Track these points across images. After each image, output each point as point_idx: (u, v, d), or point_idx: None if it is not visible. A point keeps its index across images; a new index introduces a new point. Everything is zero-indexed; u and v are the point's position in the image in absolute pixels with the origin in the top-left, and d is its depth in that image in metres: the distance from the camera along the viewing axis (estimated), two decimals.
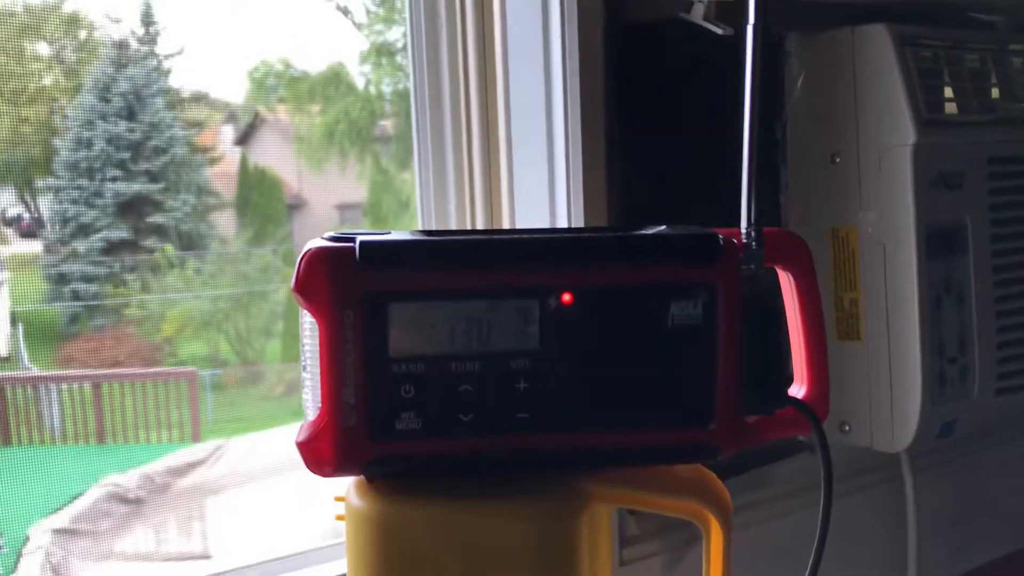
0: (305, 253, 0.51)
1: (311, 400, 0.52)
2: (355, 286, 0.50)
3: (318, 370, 0.51)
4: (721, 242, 0.55)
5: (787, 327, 0.59)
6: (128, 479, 2.77)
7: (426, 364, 0.51)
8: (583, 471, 0.56)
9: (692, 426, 0.55)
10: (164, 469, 2.90)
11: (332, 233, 0.52)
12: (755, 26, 0.61)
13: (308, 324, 0.52)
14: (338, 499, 0.56)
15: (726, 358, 0.54)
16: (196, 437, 3.24)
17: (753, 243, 0.58)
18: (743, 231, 0.58)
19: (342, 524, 0.56)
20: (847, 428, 0.94)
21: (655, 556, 0.90)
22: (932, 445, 0.98)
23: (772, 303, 0.57)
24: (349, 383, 0.50)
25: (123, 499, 2.71)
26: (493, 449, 0.53)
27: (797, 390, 0.59)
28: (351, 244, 0.51)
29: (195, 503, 2.90)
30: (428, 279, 0.51)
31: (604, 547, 0.60)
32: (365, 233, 0.52)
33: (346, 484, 0.56)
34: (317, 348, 0.51)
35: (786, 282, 0.59)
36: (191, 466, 2.99)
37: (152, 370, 3.32)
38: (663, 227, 0.57)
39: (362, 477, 0.54)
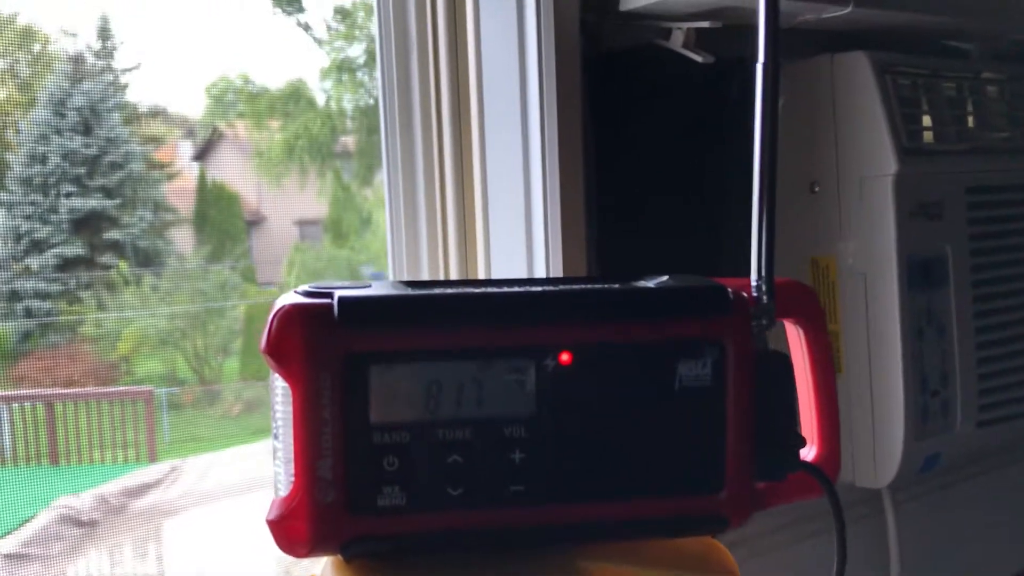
0: (277, 311, 0.46)
1: (283, 473, 0.48)
2: (333, 347, 0.46)
3: (291, 440, 0.46)
4: (731, 295, 0.51)
5: (795, 384, 0.56)
6: (82, 501, 2.70)
7: (411, 433, 0.47)
8: (580, 547, 0.52)
9: (700, 495, 0.51)
10: (119, 490, 2.83)
11: (306, 287, 0.48)
12: (765, 65, 0.56)
13: (280, 389, 0.47)
14: None
15: (737, 421, 0.51)
16: (152, 457, 3.17)
17: (764, 296, 0.54)
18: (753, 283, 0.54)
19: None
20: None
21: None
22: (914, 479, 0.97)
23: (781, 360, 0.54)
24: (326, 455, 0.46)
25: (76, 521, 2.63)
26: (485, 525, 0.49)
27: (807, 450, 0.56)
28: (328, 300, 0.47)
29: (151, 525, 2.83)
30: (414, 338, 0.47)
31: None
32: (343, 286, 0.48)
33: (321, 563, 0.52)
34: (290, 416, 0.46)
35: (795, 336, 0.56)
36: (147, 487, 2.93)
37: (107, 389, 3.25)
38: (664, 277, 0.53)
39: (339, 556, 0.49)
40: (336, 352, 0.46)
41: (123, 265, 3.35)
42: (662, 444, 0.51)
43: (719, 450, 0.51)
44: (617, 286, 0.52)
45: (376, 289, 0.49)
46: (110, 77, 3.26)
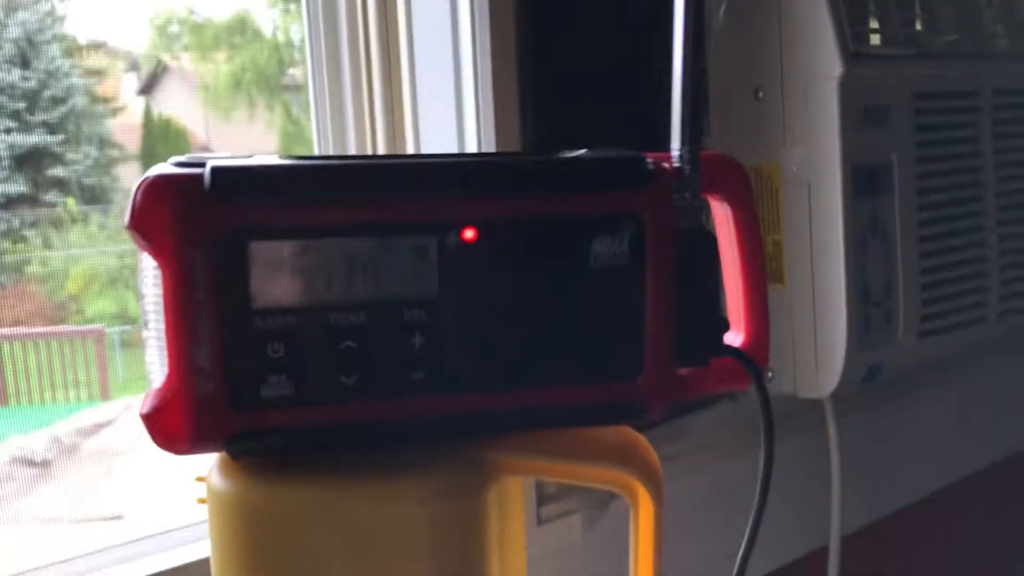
0: (142, 181, 0.42)
1: (157, 363, 0.44)
2: (205, 221, 0.41)
3: (163, 327, 0.42)
4: (650, 166, 0.47)
5: (720, 265, 0.53)
6: (34, 441, 2.66)
7: (298, 317, 0.43)
8: (489, 439, 0.48)
9: (617, 381, 0.48)
10: (72, 430, 2.79)
11: (180, 158, 0.44)
12: None
13: (150, 270, 0.43)
14: (199, 479, 0.48)
15: (656, 302, 0.47)
16: (105, 396, 3.13)
17: (687, 167, 0.50)
18: (675, 153, 0.50)
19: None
20: (770, 375, 0.90)
21: (574, 514, 0.85)
22: (856, 389, 0.95)
23: (704, 237, 0.51)
24: (202, 342, 0.42)
25: (29, 462, 2.59)
26: (382, 417, 0.45)
27: (734, 337, 0.53)
28: (200, 170, 0.42)
29: (105, 463, 2.80)
30: (299, 213, 0.43)
31: (516, 523, 0.53)
32: (220, 157, 0.44)
33: (208, 462, 0.48)
34: (161, 300, 0.42)
35: (722, 214, 0.53)
36: (100, 426, 2.89)
37: (57, 329, 3.18)
38: (583, 151, 0.49)
39: (225, 454, 0.46)
40: (208, 227, 0.42)
41: (71, 203, 3.27)
42: (575, 327, 0.47)
43: (637, 333, 0.48)
44: (528, 157, 0.48)
45: (258, 159, 0.44)
46: (47, 7, 3.14)
